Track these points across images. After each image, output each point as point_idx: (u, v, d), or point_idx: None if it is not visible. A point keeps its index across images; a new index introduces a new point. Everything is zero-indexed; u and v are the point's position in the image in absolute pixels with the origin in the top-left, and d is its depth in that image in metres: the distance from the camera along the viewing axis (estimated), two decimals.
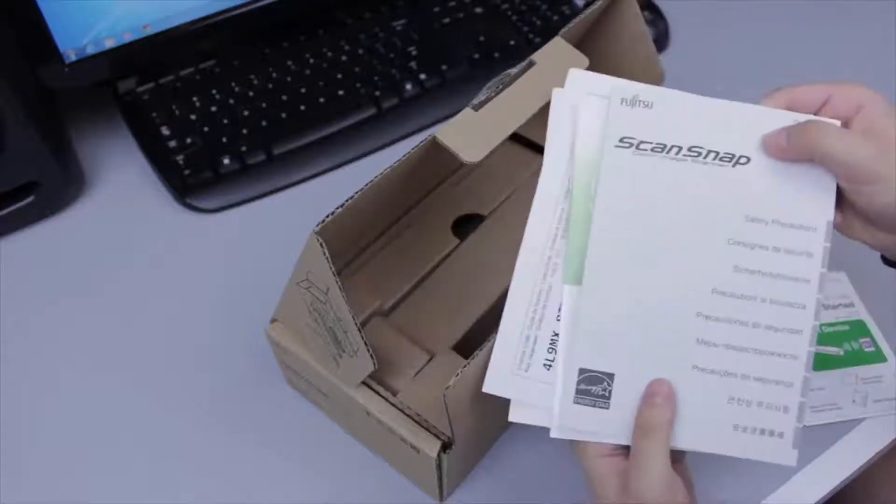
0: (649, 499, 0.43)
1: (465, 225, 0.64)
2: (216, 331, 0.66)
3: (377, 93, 0.78)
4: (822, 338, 0.64)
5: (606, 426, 0.45)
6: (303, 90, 0.79)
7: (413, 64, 0.80)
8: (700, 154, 0.45)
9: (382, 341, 0.56)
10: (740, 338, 0.45)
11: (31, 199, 0.70)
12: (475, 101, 0.50)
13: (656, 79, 0.62)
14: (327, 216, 0.46)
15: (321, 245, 0.45)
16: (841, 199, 0.45)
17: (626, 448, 0.45)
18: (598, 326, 0.45)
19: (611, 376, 0.45)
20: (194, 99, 0.77)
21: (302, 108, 0.78)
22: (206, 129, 0.76)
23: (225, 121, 0.76)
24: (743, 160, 0.45)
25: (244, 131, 0.76)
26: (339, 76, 0.80)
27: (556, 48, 0.53)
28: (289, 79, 0.79)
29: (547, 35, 0.61)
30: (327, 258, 0.46)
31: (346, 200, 0.47)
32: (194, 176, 0.73)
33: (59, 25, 0.68)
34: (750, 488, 0.59)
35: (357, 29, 0.83)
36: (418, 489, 0.59)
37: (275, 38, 0.82)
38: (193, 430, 0.62)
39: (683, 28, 0.86)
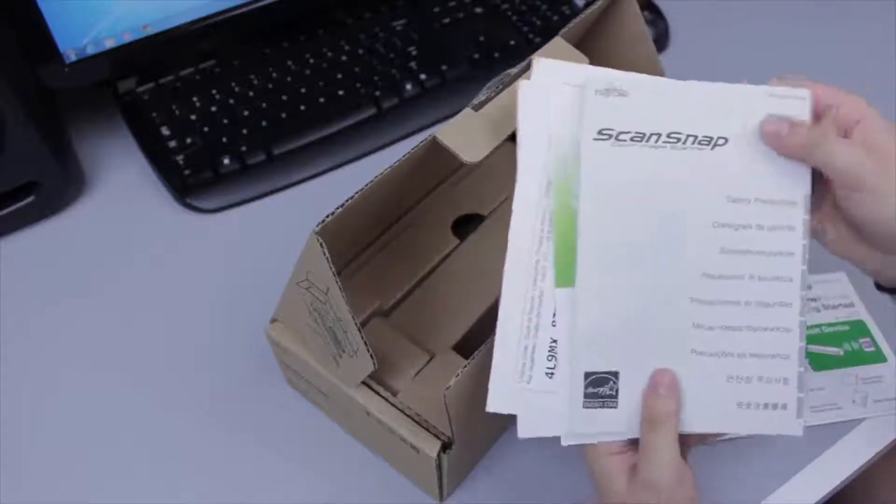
0: (661, 486, 0.43)
1: (465, 225, 0.64)
2: (216, 331, 0.66)
3: (377, 93, 0.78)
4: (822, 338, 0.64)
5: (617, 424, 0.45)
6: (303, 90, 0.79)
7: (413, 64, 0.80)
8: (679, 140, 0.45)
9: (382, 341, 0.56)
10: (734, 317, 0.45)
11: (31, 199, 0.70)
12: (475, 101, 0.50)
13: None
14: (327, 216, 0.46)
15: (321, 245, 0.45)
16: (834, 212, 0.45)
17: (634, 444, 0.45)
18: (597, 327, 0.45)
19: (615, 374, 0.45)
20: (194, 99, 0.77)
21: (302, 108, 0.78)
22: (206, 129, 0.76)
23: (225, 121, 0.76)
24: (721, 141, 0.45)
25: (244, 131, 0.76)
26: (339, 76, 0.80)
27: (556, 48, 0.53)
28: (289, 79, 0.79)
29: (547, 35, 0.61)
30: (327, 258, 0.46)
31: (346, 200, 0.47)
32: (194, 176, 0.73)
33: (59, 25, 0.68)
34: (750, 488, 0.59)
35: (357, 29, 0.83)
36: (418, 489, 0.59)
37: (275, 38, 0.82)
38: (193, 430, 0.62)
39: (683, 28, 0.86)
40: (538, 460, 0.59)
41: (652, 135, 0.45)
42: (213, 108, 0.77)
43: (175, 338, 0.66)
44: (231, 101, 0.78)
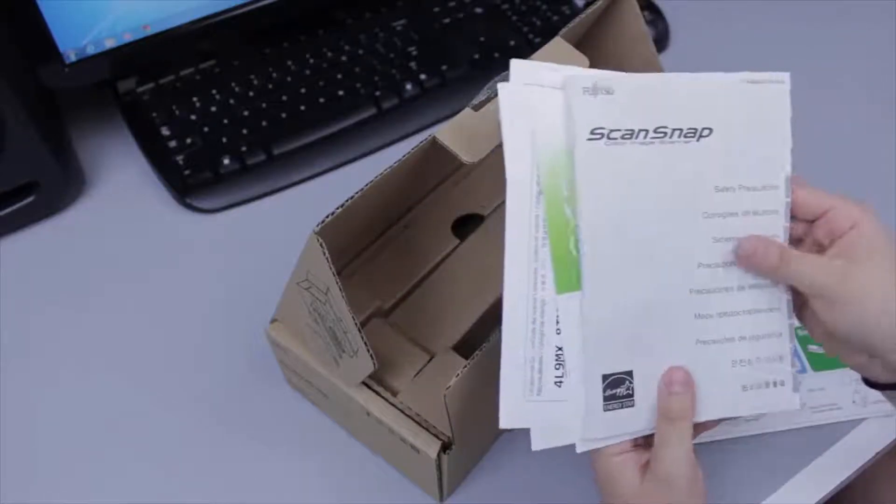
0: (677, 479, 0.44)
1: (465, 225, 0.64)
2: (216, 331, 0.66)
3: (377, 93, 0.78)
4: None
5: (636, 422, 0.45)
6: (303, 90, 0.79)
7: (413, 64, 0.80)
8: (666, 134, 0.45)
9: (382, 341, 0.56)
10: (730, 304, 0.46)
11: (31, 199, 0.70)
12: (475, 101, 0.50)
13: None
14: (327, 216, 0.46)
15: (321, 245, 0.45)
16: (815, 320, 0.45)
17: (640, 443, 0.46)
18: (608, 328, 0.45)
19: (630, 374, 0.45)
20: (194, 99, 0.77)
21: (302, 108, 0.78)
22: (206, 129, 0.76)
23: (225, 121, 0.76)
24: (706, 132, 0.45)
25: (244, 131, 0.76)
26: (339, 76, 0.80)
27: (556, 48, 0.53)
28: (289, 79, 0.79)
29: (547, 35, 0.61)
30: (327, 258, 0.46)
31: (346, 200, 0.47)
32: (194, 176, 0.73)
33: (59, 25, 0.68)
34: (750, 488, 0.59)
35: (357, 29, 0.83)
36: (418, 489, 0.59)
37: (275, 38, 0.82)
38: (193, 429, 0.62)
39: (683, 28, 0.86)
40: (538, 460, 0.59)
41: (640, 131, 0.44)
42: (213, 108, 0.77)
43: (175, 338, 0.66)
44: (231, 101, 0.78)
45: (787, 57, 0.84)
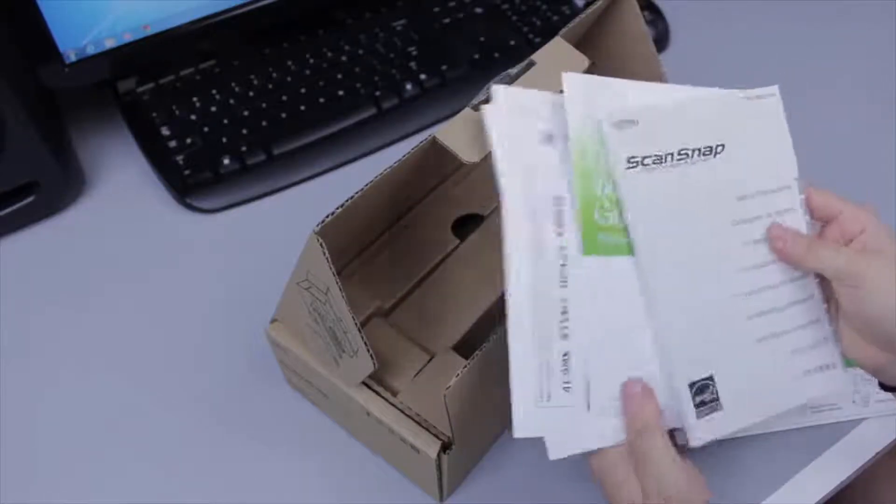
0: (672, 485, 0.44)
1: (465, 225, 0.64)
2: (216, 331, 0.66)
3: (377, 93, 0.78)
4: None
5: (728, 425, 0.47)
6: (303, 90, 0.79)
7: (413, 64, 0.80)
8: (688, 155, 0.48)
9: (382, 341, 0.56)
10: (775, 300, 0.49)
11: (31, 199, 0.70)
12: (475, 101, 0.50)
13: (657, 79, 0.62)
14: (327, 216, 0.46)
15: (321, 245, 0.45)
16: (840, 313, 0.48)
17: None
18: (685, 338, 0.47)
19: (712, 378, 0.47)
20: (194, 99, 0.77)
21: (302, 108, 0.78)
22: (206, 129, 0.76)
23: (225, 121, 0.76)
24: (719, 148, 0.49)
25: (244, 131, 0.76)
26: (339, 76, 0.80)
27: (556, 48, 0.53)
28: (289, 79, 0.79)
29: (547, 35, 0.61)
30: (327, 258, 0.46)
31: (346, 200, 0.47)
32: (194, 176, 0.73)
33: (59, 25, 0.68)
34: (750, 488, 0.59)
35: (357, 29, 0.83)
36: (418, 489, 0.59)
37: (275, 38, 0.82)
38: (193, 429, 0.62)
39: (683, 28, 0.86)
40: (538, 460, 0.59)
41: (666, 155, 0.48)
42: (213, 108, 0.77)
43: (175, 338, 0.66)
44: (231, 101, 0.78)
45: (787, 57, 0.84)
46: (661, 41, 0.85)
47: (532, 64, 0.52)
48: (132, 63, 0.76)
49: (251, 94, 0.78)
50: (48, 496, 0.59)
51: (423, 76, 0.79)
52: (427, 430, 0.52)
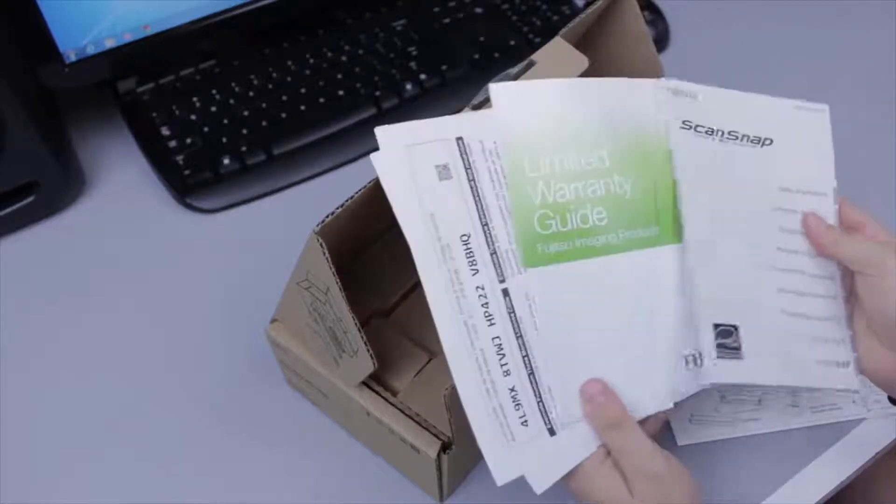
0: (656, 469, 0.44)
1: None
2: (216, 331, 0.66)
3: (377, 93, 0.78)
4: None
5: (746, 374, 0.48)
6: (303, 90, 0.79)
7: (413, 64, 0.80)
8: (737, 137, 0.52)
9: (382, 341, 0.56)
10: (803, 285, 0.51)
11: (31, 199, 0.70)
12: (475, 101, 0.50)
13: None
14: (327, 216, 0.46)
15: (321, 245, 0.45)
16: (861, 312, 0.50)
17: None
18: (716, 287, 0.49)
19: (736, 327, 0.49)
20: (194, 99, 0.77)
21: (302, 108, 0.78)
22: (206, 129, 0.76)
23: (225, 121, 0.76)
24: (767, 142, 0.52)
25: (244, 131, 0.76)
26: (339, 76, 0.80)
27: (556, 48, 0.53)
28: (289, 79, 0.79)
29: (547, 35, 0.61)
30: (327, 258, 0.46)
31: (346, 200, 0.47)
32: (194, 176, 0.73)
33: (59, 25, 0.68)
34: (750, 488, 0.59)
35: (357, 29, 0.83)
36: (418, 489, 0.59)
37: (275, 38, 0.82)
38: (193, 429, 0.62)
39: (683, 28, 0.86)
40: None
41: (718, 130, 0.52)
42: (213, 108, 0.77)
43: (175, 338, 0.66)
44: (231, 101, 0.78)
45: (787, 57, 0.84)
46: (661, 41, 0.85)
47: (532, 64, 0.52)
48: (132, 63, 0.76)
49: (251, 94, 0.78)
50: (48, 496, 0.59)
51: (423, 76, 0.79)
52: (427, 430, 0.52)
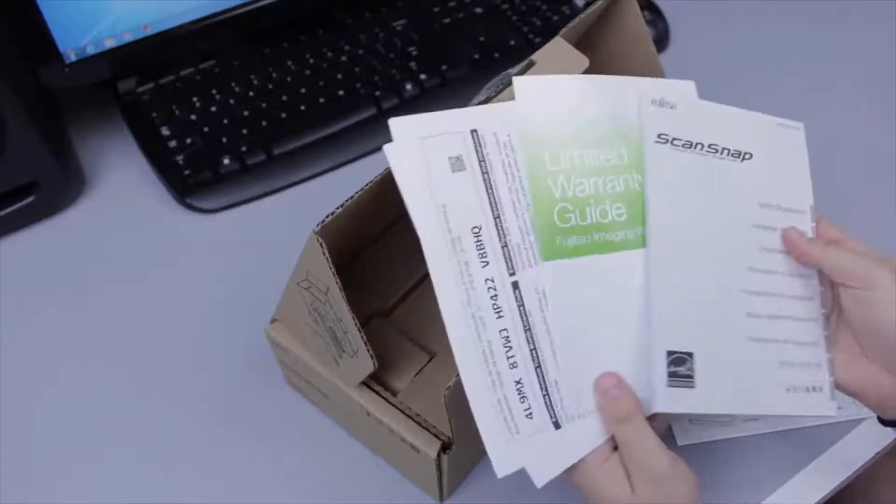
0: (659, 467, 0.44)
1: None
2: (216, 331, 0.66)
3: (377, 93, 0.78)
4: None
5: (696, 404, 0.47)
6: (303, 90, 0.79)
7: (413, 64, 0.80)
8: (717, 150, 0.51)
9: (382, 341, 0.56)
10: (777, 308, 0.49)
11: (31, 199, 0.70)
12: (475, 101, 0.50)
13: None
14: (327, 216, 0.46)
15: (321, 245, 0.45)
16: (842, 321, 0.49)
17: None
18: (674, 311, 0.47)
19: (691, 355, 0.47)
20: (194, 99, 0.77)
21: (302, 108, 0.78)
22: (206, 129, 0.76)
23: (225, 121, 0.76)
24: (748, 156, 0.51)
25: (244, 131, 0.76)
26: (339, 76, 0.80)
27: (556, 48, 0.53)
28: (289, 79, 0.79)
29: (547, 35, 0.61)
30: (327, 258, 0.46)
31: (346, 200, 0.47)
32: (194, 176, 0.73)
33: (59, 25, 0.68)
34: (750, 488, 0.59)
35: (357, 29, 0.83)
36: (418, 489, 0.59)
37: (275, 38, 0.82)
38: (193, 429, 0.62)
39: (683, 28, 0.86)
40: None
41: (697, 143, 0.50)
42: (213, 108, 0.77)
43: (175, 338, 0.66)
44: (231, 101, 0.78)
45: (787, 57, 0.84)
46: (661, 41, 0.85)
47: (532, 64, 0.52)
48: (132, 63, 0.76)
49: (251, 94, 0.78)
50: (48, 496, 0.59)
51: (423, 76, 0.79)
52: (427, 430, 0.52)
